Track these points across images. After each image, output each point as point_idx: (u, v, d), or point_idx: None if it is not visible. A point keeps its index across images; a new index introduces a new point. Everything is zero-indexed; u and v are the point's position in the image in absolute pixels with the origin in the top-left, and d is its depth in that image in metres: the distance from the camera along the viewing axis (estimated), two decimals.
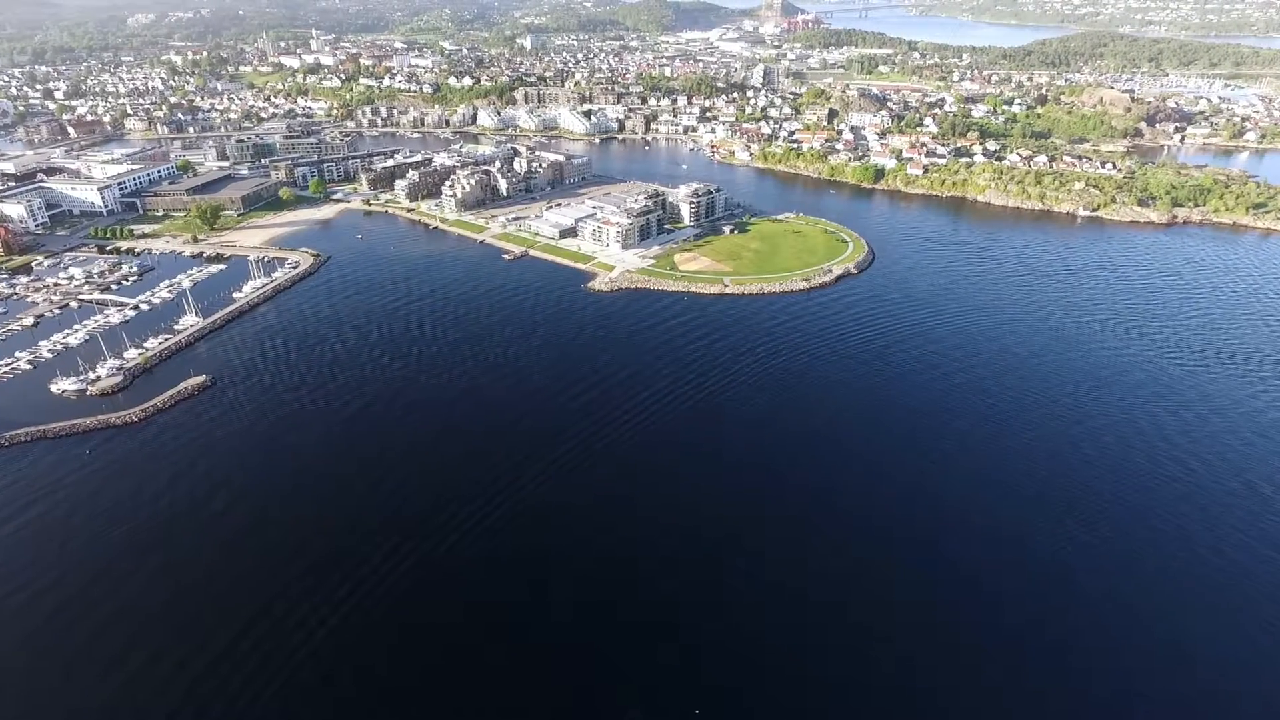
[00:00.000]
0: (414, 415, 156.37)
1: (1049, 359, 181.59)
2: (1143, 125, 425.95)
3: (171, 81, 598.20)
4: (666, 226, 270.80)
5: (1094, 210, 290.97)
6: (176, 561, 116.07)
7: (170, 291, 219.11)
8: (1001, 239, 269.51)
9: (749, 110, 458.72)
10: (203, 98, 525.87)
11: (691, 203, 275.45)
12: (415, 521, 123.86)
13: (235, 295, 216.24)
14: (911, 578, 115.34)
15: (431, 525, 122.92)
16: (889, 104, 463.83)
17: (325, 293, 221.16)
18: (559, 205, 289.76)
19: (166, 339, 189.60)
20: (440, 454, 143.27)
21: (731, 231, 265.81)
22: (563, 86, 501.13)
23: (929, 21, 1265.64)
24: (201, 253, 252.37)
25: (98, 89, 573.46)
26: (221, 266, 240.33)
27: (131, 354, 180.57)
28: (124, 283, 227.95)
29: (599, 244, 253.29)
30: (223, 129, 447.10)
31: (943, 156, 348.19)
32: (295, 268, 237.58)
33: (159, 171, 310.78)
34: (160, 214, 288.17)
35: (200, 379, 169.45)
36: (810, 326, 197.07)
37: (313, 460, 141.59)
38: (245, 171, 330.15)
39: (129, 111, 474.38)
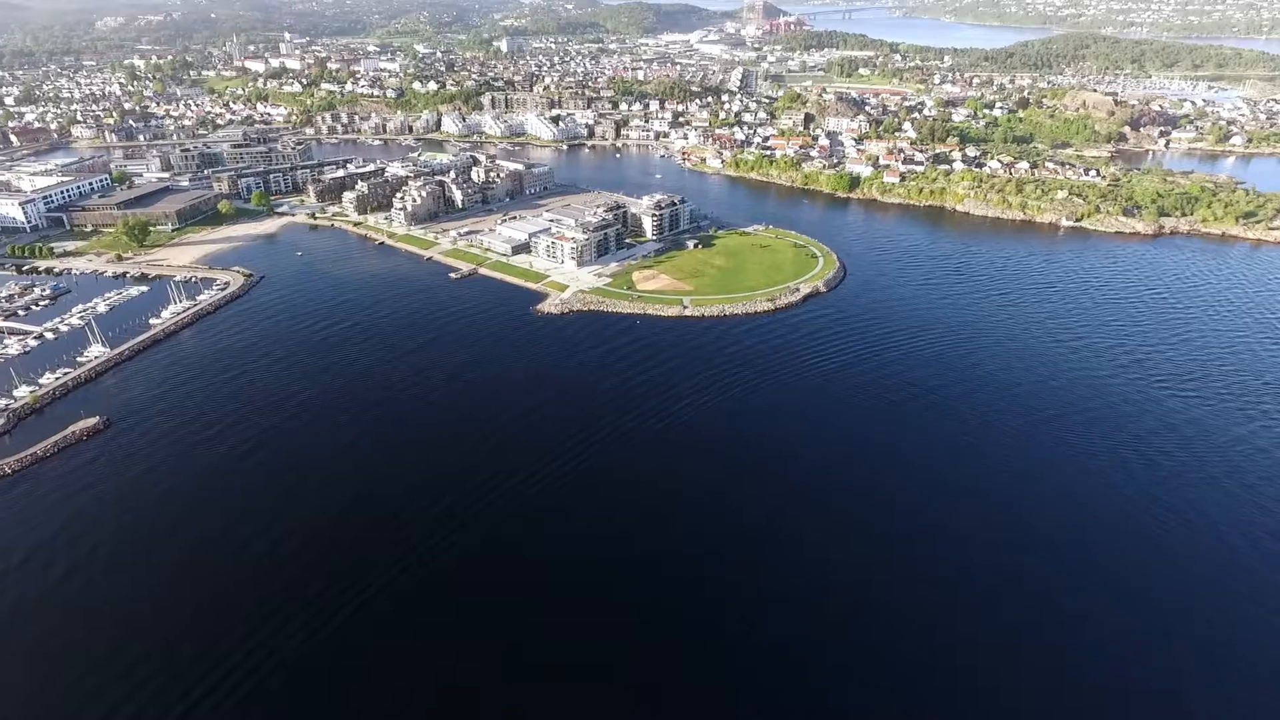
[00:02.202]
0: (310, 461, 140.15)
1: (1025, 388, 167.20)
2: (1126, 129, 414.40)
3: (130, 86, 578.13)
4: (627, 241, 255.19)
5: (1077, 220, 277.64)
6: None
7: (82, 318, 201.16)
8: (980, 252, 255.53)
9: (723, 115, 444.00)
10: (158, 104, 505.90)
11: (654, 215, 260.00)
12: (287, 596, 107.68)
13: (153, 321, 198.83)
14: (859, 624, 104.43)
15: (302, 601, 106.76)
16: (867, 108, 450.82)
17: (252, 317, 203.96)
18: (515, 218, 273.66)
19: (66, 373, 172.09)
20: (327, 510, 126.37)
21: (696, 246, 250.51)
22: (531, 91, 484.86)
23: (911, 23, 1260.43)
24: (125, 273, 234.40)
25: (52, 94, 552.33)
26: (144, 289, 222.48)
27: (21, 392, 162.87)
28: (34, 308, 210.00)
29: (553, 261, 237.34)
30: (175, 136, 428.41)
31: (921, 163, 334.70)
32: (224, 289, 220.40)
33: (90, 184, 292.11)
34: (89, 230, 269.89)
35: (93, 421, 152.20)
36: (772, 352, 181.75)
37: (188, 520, 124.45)
38: (186, 183, 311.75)
39: (78, 118, 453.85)
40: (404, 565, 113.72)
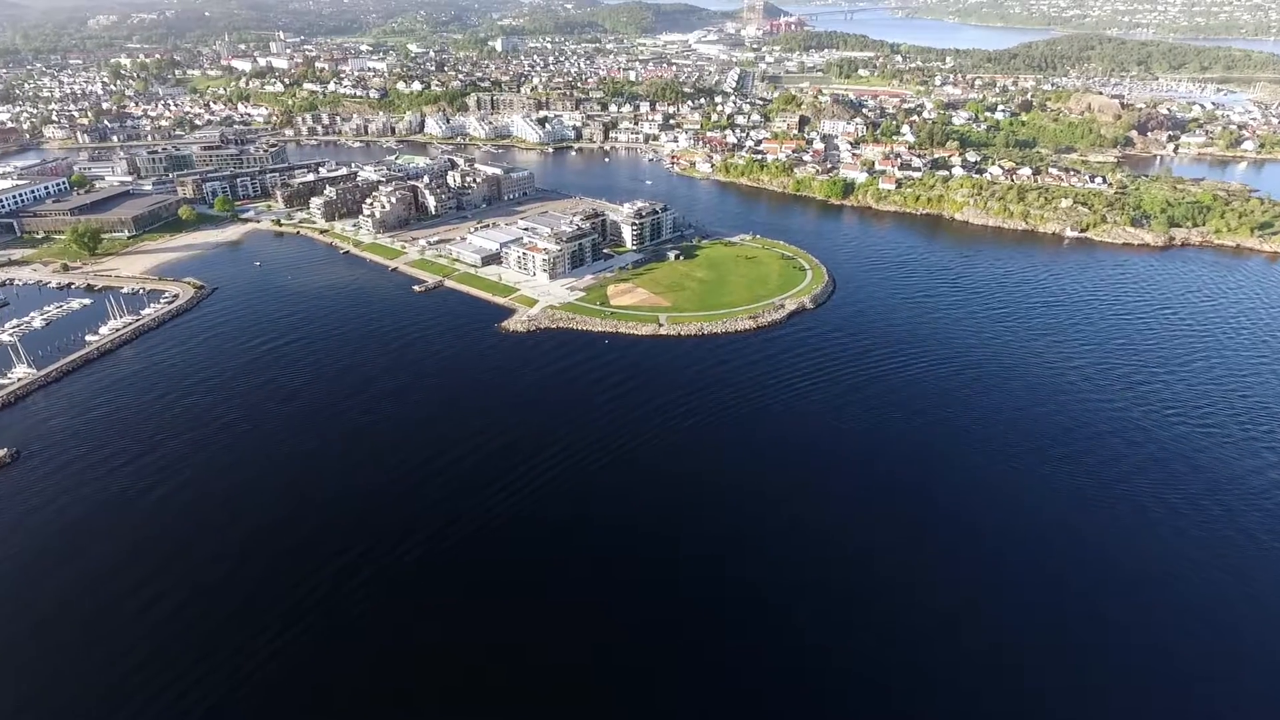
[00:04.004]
0: (219, 497, 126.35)
1: (1022, 416, 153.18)
2: (1133, 133, 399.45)
3: (112, 86, 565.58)
4: (605, 251, 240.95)
5: (1082, 231, 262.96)
6: None
7: (12, 334, 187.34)
8: (979, 265, 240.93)
9: (715, 117, 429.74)
10: (137, 104, 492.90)
11: (634, 224, 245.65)
12: (152, 669, 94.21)
13: (89, 338, 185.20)
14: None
15: (170, 674, 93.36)
16: (865, 110, 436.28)
17: (195, 334, 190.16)
18: (489, 226, 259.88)
19: None
20: (221, 559, 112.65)
21: (677, 257, 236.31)
22: (519, 92, 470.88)
23: (914, 24, 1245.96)
24: (70, 284, 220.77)
25: (32, 94, 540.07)
26: (87, 301, 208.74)
27: None
28: None
29: (524, 273, 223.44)
30: (151, 138, 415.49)
31: (918, 169, 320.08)
32: (171, 302, 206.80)
33: (46, 188, 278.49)
34: (40, 236, 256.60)
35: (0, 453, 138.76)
36: (749, 375, 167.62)
37: (67, 566, 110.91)
38: (149, 187, 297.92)
39: (52, 119, 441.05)
40: (300, 624, 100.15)
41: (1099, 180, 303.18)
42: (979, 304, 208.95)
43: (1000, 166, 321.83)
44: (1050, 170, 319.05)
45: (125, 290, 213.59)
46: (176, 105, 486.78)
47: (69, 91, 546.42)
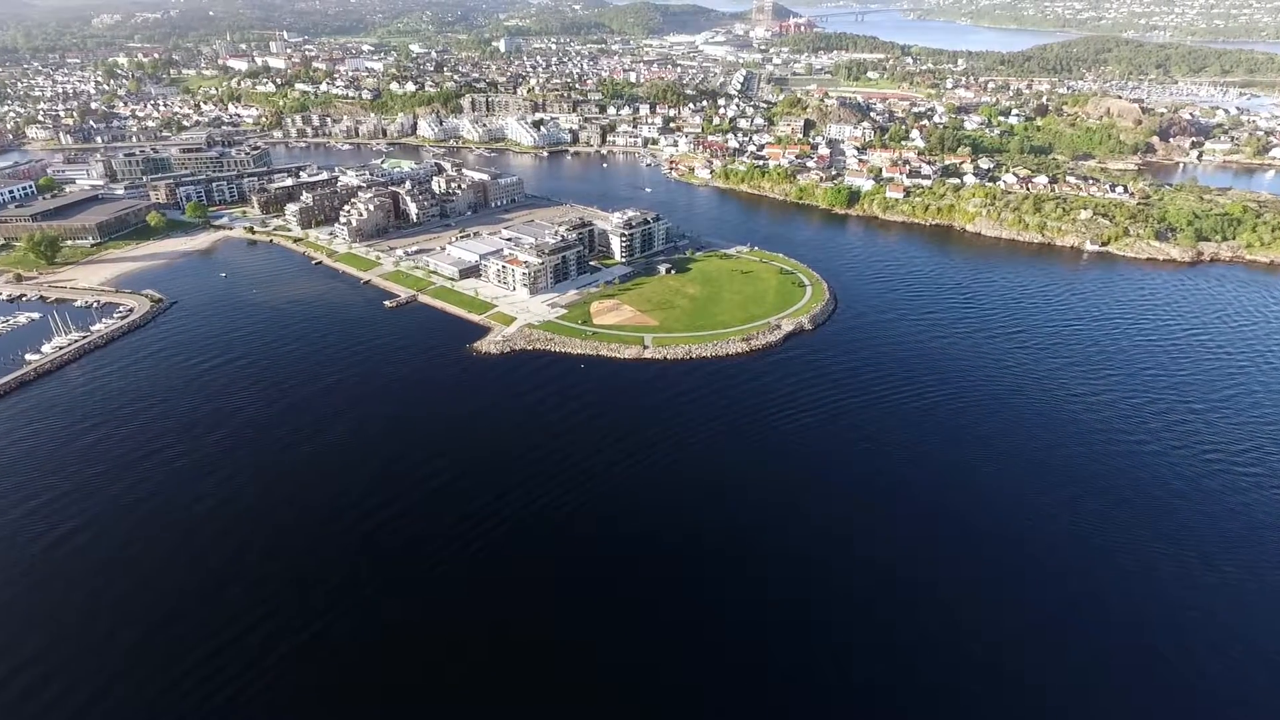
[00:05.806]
0: (122, 549, 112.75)
1: (1036, 456, 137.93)
2: (1154, 139, 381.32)
3: (105, 86, 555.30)
4: (592, 264, 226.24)
5: (1103, 244, 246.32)
6: None
7: None
8: (992, 281, 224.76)
9: (717, 121, 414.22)
10: (126, 104, 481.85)
11: (623, 235, 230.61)
12: None
13: (30, 357, 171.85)
14: None
15: None
16: (873, 114, 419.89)
17: (144, 352, 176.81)
18: (471, 235, 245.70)
19: None
20: (109, 621, 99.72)
21: (668, 271, 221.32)
22: (515, 93, 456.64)
23: (926, 26, 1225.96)
24: (22, 295, 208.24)
25: (23, 93, 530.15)
26: (35, 315, 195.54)
27: None
28: None
29: (503, 287, 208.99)
30: (137, 138, 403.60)
31: (928, 176, 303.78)
32: (125, 317, 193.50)
33: (10, 191, 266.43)
34: (1, 243, 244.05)
35: None
36: (738, 406, 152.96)
37: None
38: (121, 192, 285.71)
39: (37, 119, 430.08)
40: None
41: (1120, 189, 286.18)
42: (991, 325, 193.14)
43: (1015, 174, 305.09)
44: (1068, 178, 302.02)
45: (78, 303, 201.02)
46: (166, 105, 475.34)
47: (60, 91, 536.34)
